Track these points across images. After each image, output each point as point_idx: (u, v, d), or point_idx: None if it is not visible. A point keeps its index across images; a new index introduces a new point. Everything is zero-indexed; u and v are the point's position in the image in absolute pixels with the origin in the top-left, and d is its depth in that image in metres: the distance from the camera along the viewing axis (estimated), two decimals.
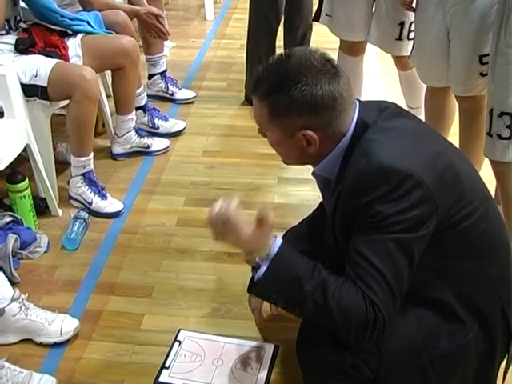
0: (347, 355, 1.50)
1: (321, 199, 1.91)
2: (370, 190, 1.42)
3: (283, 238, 1.92)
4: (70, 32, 2.74)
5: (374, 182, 1.42)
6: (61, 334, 2.03)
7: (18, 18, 2.61)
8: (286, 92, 1.46)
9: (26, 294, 2.09)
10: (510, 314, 1.58)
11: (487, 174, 2.16)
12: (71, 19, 2.72)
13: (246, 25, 3.37)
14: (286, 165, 1.72)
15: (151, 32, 3.05)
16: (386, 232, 1.41)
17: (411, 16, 2.56)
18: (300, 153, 1.54)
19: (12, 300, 2.01)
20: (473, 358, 1.56)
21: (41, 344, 2.02)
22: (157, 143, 3.07)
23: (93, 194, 2.63)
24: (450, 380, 1.57)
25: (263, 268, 1.49)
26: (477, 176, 1.65)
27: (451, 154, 1.58)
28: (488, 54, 2.19)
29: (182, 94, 3.56)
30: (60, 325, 2.03)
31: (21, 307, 2.02)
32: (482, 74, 2.27)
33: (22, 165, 2.62)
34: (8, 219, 2.42)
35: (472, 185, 1.56)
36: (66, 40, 2.71)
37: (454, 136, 2.57)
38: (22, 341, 2.04)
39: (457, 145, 2.48)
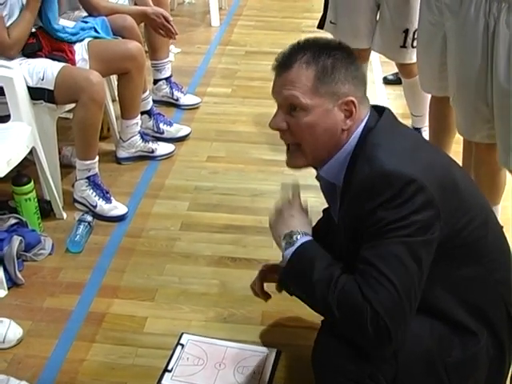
0: (366, 365, 1.48)
1: (323, 206, 1.91)
2: (374, 195, 1.42)
3: None
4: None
5: (378, 187, 1.42)
6: (3, 341, 2.02)
7: None
8: (333, 54, 1.51)
9: None
10: None
11: None
12: (74, 34, 2.74)
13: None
14: (298, 167, 1.63)
15: (159, 31, 3.07)
16: (393, 237, 1.40)
17: (415, 23, 2.57)
18: (331, 135, 1.52)
19: None
20: (484, 364, 1.56)
21: None
22: (161, 148, 3.09)
23: (97, 197, 2.64)
24: None
25: (288, 256, 1.54)
26: (474, 184, 1.65)
27: (448, 162, 1.59)
28: None
29: (187, 99, 3.57)
30: (4, 332, 2.03)
31: None
32: None
33: (27, 168, 2.64)
34: (13, 221, 2.43)
35: (470, 193, 1.56)
36: (72, 44, 2.72)
37: (457, 144, 2.58)
38: (25, 342, 2.05)
39: (460, 153, 2.51)
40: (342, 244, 1.58)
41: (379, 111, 1.58)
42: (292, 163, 1.61)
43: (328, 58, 1.50)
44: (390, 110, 1.60)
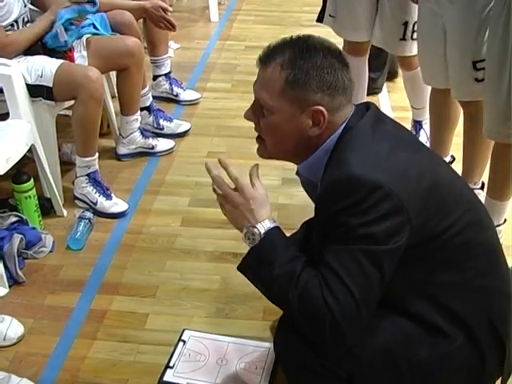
0: (321, 355, 1.49)
1: None
2: (338, 199, 1.40)
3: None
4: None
5: (343, 191, 1.40)
6: (4, 339, 2.02)
7: (26, 19, 2.63)
8: (315, 61, 1.46)
9: None
10: (499, 325, 1.53)
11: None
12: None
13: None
14: (264, 157, 1.61)
15: (159, 24, 3.06)
16: (355, 244, 1.39)
17: (415, 16, 2.56)
18: (296, 139, 1.50)
19: None
20: (458, 370, 1.53)
21: None
22: (161, 144, 3.08)
23: (97, 194, 2.64)
24: None
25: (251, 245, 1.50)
26: (462, 184, 1.63)
27: (430, 163, 1.54)
28: (482, 60, 2.19)
29: (187, 95, 3.57)
30: (5, 330, 2.03)
31: None
32: (477, 80, 2.26)
33: (27, 165, 2.63)
34: (13, 219, 2.43)
35: (454, 194, 1.53)
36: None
37: (458, 136, 2.57)
38: (26, 340, 2.05)
39: (460, 145, 2.50)
40: (314, 241, 1.57)
41: (365, 108, 1.55)
42: (258, 152, 1.62)
43: (305, 63, 1.45)
44: (375, 107, 1.57)
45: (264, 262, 1.47)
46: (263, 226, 1.49)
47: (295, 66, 1.46)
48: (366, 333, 1.45)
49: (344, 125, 1.51)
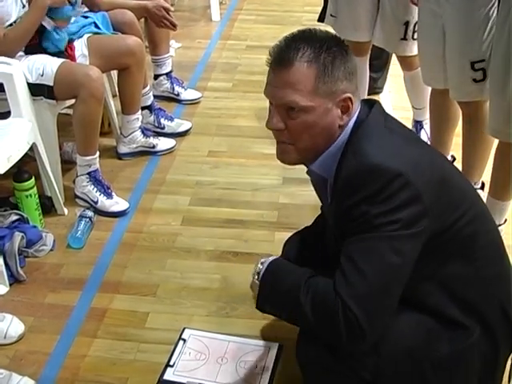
0: (345, 357, 1.49)
1: None
2: (358, 189, 1.41)
3: (285, 243, 1.94)
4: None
5: (363, 181, 1.41)
6: (5, 337, 2.02)
7: None
8: (333, 51, 1.47)
9: None
10: (511, 312, 1.56)
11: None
12: (75, 32, 2.74)
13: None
14: (291, 163, 1.60)
15: (161, 24, 3.07)
16: (376, 231, 1.39)
17: (416, 15, 2.56)
18: (329, 132, 1.50)
19: None
20: (476, 361, 1.54)
21: None
22: (162, 143, 3.08)
23: (98, 193, 2.64)
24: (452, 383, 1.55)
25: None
26: (464, 180, 1.65)
27: (437, 158, 1.57)
28: (480, 61, 2.19)
29: (188, 94, 3.57)
30: (5, 328, 2.03)
31: None
32: (475, 81, 2.27)
33: (28, 164, 2.63)
34: (14, 217, 2.43)
35: (459, 189, 1.55)
36: (72, 41, 2.72)
37: (458, 137, 2.57)
38: (27, 338, 2.05)
39: (460, 146, 2.50)
40: (330, 241, 1.57)
41: (369, 104, 1.57)
42: (284, 159, 1.58)
43: (328, 55, 1.46)
44: (379, 104, 1.58)
45: (274, 285, 1.58)
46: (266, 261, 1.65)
47: (319, 59, 1.46)
48: (388, 332, 1.45)
49: (355, 118, 1.52)
